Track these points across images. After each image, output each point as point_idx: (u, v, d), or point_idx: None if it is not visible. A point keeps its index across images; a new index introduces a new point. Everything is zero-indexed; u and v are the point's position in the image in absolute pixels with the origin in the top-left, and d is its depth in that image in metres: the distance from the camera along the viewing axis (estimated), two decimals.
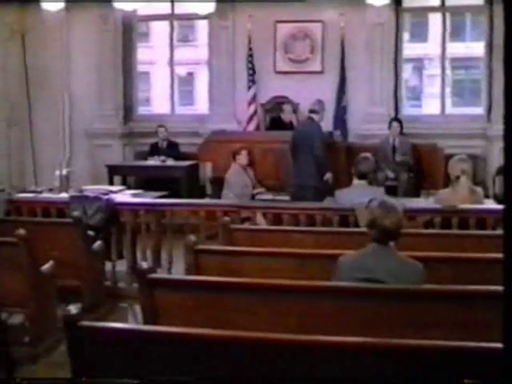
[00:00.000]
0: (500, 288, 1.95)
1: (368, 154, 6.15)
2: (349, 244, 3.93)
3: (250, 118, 9.60)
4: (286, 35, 9.69)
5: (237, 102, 9.77)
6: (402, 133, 8.87)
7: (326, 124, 8.43)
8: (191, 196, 8.02)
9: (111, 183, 8.71)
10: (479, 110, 9.89)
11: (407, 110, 10.68)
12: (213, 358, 2.56)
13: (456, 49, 15.67)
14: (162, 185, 7.90)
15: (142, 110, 11.11)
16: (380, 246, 3.42)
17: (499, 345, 2.00)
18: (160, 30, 14.15)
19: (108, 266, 6.13)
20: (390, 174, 8.54)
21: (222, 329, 2.71)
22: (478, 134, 9.13)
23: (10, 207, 6.35)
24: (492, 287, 3.07)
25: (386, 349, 2.50)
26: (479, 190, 5.92)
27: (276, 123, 9.52)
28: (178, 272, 5.55)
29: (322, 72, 9.63)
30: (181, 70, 16.32)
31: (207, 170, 8.83)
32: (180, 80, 14.34)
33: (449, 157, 6.40)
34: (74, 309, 2.65)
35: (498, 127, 8.23)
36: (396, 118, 9.07)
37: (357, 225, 5.45)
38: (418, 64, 18.81)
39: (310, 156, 7.44)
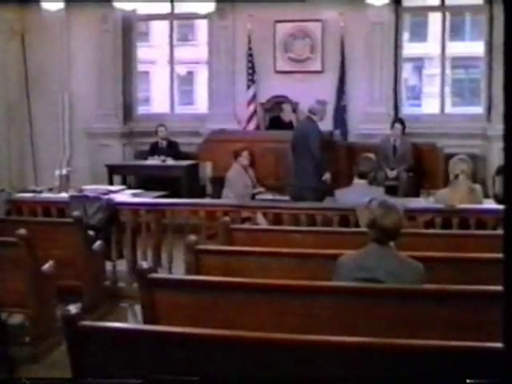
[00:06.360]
0: (500, 288, 1.95)
1: (371, 154, 6.16)
2: (349, 244, 3.92)
3: (250, 118, 9.60)
4: (285, 35, 9.69)
5: (237, 101, 9.77)
6: (403, 133, 8.86)
7: (326, 124, 8.41)
8: (191, 196, 8.02)
9: (111, 183, 8.70)
10: (479, 110, 9.89)
11: (407, 109, 10.69)
12: (213, 357, 2.56)
13: (456, 48, 15.64)
14: (162, 184, 7.91)
15: (141, 110, 11.10)
16: (380, 245, 3.41)
17: (499, 345, 2.00)
18: (160, 29, 14.12)
19: (108, 265, 6.13)
20: (390, 174, 8.54)
21: (222, 329, 2.71)
22: (478, 134, 9.12)
23: (10, 207, 6.35)
24: (492, 287, 3.07)
25: (386, 349, 2.50)
26: (478, 187, 5.91)
27: (276, 123, 9.52)
28: (179, 272, 5.55)
29: (321, 71, 9.63)
30: (181, 70, 16.28)
31: (207, 170, 8.84)
32: (180, 79, 14.30)
33: (448, 156, 6.40)
34: (73, 309, 2.65)
35: (497, 127, 8.21)
36: (399, 120, 9.03)
37: (357, 225, 5.45)
38: (418, 63, 18.78)
39: (309, 156, 7.39)
